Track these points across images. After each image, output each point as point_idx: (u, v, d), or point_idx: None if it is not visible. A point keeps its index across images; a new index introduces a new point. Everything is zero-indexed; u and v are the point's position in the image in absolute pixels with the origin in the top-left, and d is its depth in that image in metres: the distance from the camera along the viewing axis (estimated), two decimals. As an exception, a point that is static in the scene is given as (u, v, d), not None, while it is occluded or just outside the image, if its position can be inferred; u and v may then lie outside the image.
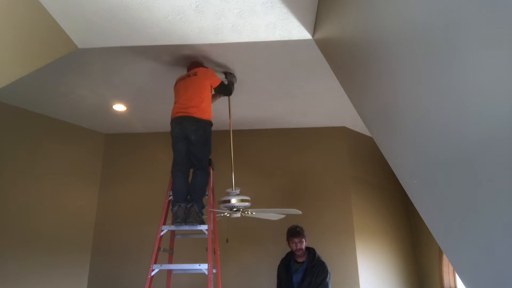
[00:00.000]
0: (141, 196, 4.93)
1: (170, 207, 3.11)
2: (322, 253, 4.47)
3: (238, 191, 3.16)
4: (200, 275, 3.02)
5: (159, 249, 2.99)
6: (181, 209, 3.01)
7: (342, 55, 2.33)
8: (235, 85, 3.69)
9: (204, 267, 2.80)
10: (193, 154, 3.14)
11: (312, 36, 3.08)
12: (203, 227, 3.01)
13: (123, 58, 3.43)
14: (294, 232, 3.41)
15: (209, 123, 3.16)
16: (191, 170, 3.23)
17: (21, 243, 4.12)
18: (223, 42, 3.16)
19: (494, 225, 0.92)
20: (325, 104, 4.44)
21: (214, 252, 3.19)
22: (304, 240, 3.39)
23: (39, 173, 4.44)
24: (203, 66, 3.43)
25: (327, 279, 3.19)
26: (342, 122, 5.00)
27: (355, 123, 4.93)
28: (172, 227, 3.05)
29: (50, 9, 2.78)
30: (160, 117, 4.65)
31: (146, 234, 4.51)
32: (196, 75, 3.23)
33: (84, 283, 4.61)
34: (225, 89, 3.39)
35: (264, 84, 3.93)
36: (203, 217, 3.10)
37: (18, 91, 3.95)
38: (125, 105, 4.42)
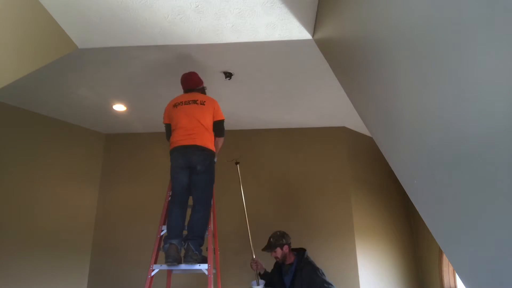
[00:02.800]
0: (141, 196, 4.93)
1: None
2: (322, 253, 4.49)
3: (261, 285, 3.09)
4: (200, 275, 3.01)
5: (159, 249, 2.99)
6: (173, 247, 2.75)
7: (342, 55, 2.33)
8: (234, 87, 3.69)
9: (204, 267, 2.80)
10: (195, 185, 2.94)
11: (312, 36, 3.08)
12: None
13: (123, 58, 3.43)
14: (266, 246, 3.33)
15: (214, 154, 3.04)
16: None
17: (21, 243, 4.12)
18: (223, 42, 3.16)
19: (494, 225, 0.92)
20: (325, 104, 4.44)
21: (214, 252, 3.19)
22: (276, 251, 3.27)
23: (39, 173, 4.44)
24: (203, 92, 3.31)
25: (319, 275, 3.07)
26: (342, 122, 5.00)
27: (355, 123, 4.93)
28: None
29: (50, 9, 2.78)
30: (160, 117, 4.63)
31: (146, 234, 4.50)
32: (203, 104, 3.05)
33: (84, 283, 4.61)
34: (221, 128, 3.18)
35: (264, 84, 3.93)
36: (202, 254, 2.87)
37: (18, 91, 3.95)
38: (125, 105, 4.42)
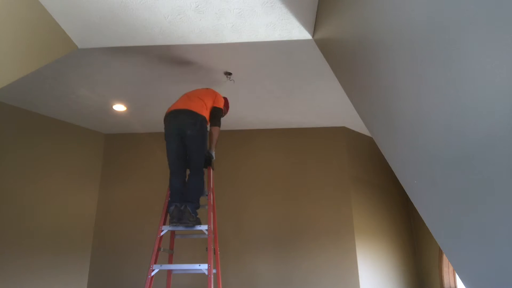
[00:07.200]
0: (141, 196, 4.93)
1: None
2: (323, 252, 4.50)
3: None
4: (200, 275, 3.01)
5: (159, 249, 2.99)
6: (177, 209, 2.97)
7: (342, 55, 2.33)
8: (234, 87, 3.68)
9: (204, 267, 2.80)
10: (189, 150, 3.06)
11: (312, 36, 3.08)
12: (203, 227, 2.98)
13: (123, 58, 3.43)
14: None
15: (205, 120, 3.11)
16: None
17: (21, 243, 4.12)
18: (223, 42, 3.16)
19: (494, 225, 0.92)
20: (325, 104, 4.44)
21: (214, 252, 3.19)
22: None
23: (39, 173, 4.44)
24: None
25: None
26: (342, 122, 5.00)
27: (355, 123, 4.93)
28: (169, 227, 3.03)
29: (50, 10, 2.78)
30: (160, 117, 4.63)
31: (146, 234, 4.51)
32: (207, 89, 3.29)
33: (84, 283, 4.61)
34: (218, 115, 3.27)
35: (264, 84, 3.93)
36: (197, 216, 3.04)
37: (18, 91, 3.95)
38: (125, 105, 4.42)
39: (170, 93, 4.04)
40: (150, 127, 5.07)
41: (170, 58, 3.44)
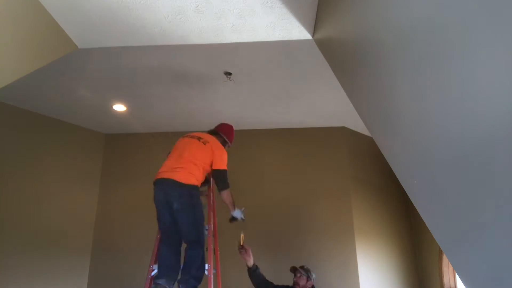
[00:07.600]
0: (141, 196, 4.92)
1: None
2: (323, 252, 4.49)
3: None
4: (200, 275, 3.01)
5: (159, 249, 2.98)
6: None
7: (342, 55, 2.33)
8: (234, 87, 3.66)
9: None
10: (180, 224, 2.72)
11: (312, 36, 3.08)
12: None
13: (123, 58, 3.43)
14: (300, 267, 3.49)
15: (195, 188, 2.76)
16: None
17: (21, 243, 4.12)
18: (223, 42, 3.16)
19: (494, 225, 0.92)
20: (325, 104, 4.43)
21: (214, 252, 3.18)
22: (303, 277, 3.40)
23: (38, 173, 4.44)
24: (222, 143, 3.12)
25: None
26: (342, 122, 5.00)
27: (355, 123, 4.93)
28: None
29: (50, 9, 2.78)
30: (160, 117, 4.65)
31: (146, 234, 4.50)
32: (205, 144, 2.89)
33: (84, 283, 4.60)
34: (222, 179, 2.90)
35: (264, 84, 3.92)
36: None
37: (18, 91, 3.95)
38: (125, 105, 4.42)
39: (171, 93, 4.04)
40: (150, 127, 5.07)
41: (170, 58, 3.44)
